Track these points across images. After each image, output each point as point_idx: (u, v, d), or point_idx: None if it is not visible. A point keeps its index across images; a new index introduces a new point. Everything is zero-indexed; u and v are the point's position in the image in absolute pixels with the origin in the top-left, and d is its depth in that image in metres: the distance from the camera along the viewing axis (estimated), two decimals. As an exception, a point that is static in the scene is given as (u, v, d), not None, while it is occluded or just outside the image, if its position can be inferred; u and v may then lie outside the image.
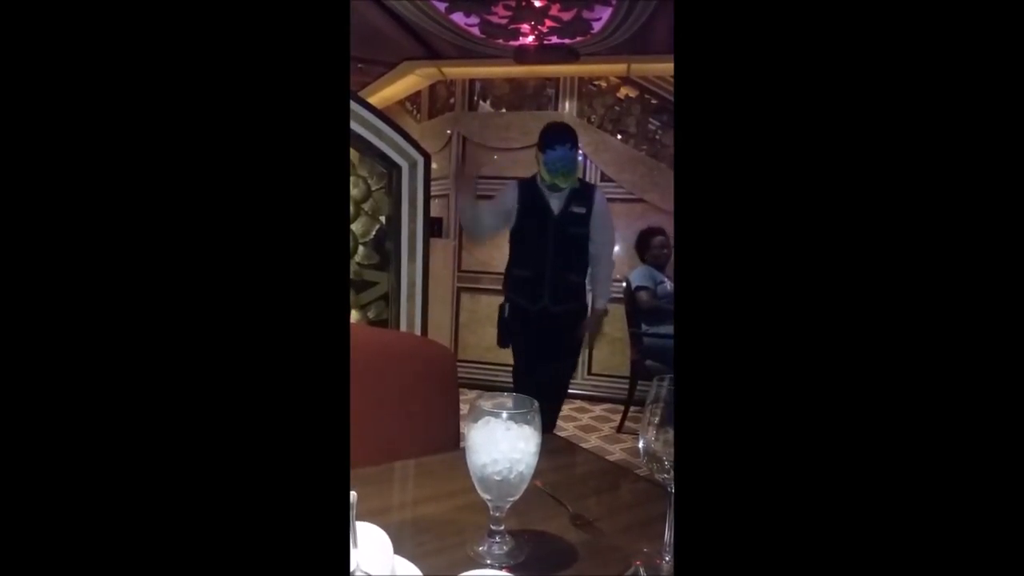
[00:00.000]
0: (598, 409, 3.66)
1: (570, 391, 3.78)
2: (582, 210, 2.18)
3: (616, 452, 2.95)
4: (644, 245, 3.35)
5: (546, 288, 2.19)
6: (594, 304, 2.33)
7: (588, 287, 2.34)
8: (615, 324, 3.77)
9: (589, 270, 2.28)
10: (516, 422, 0.61)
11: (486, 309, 4.02)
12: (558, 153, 2.10)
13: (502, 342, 2.38)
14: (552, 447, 1.02)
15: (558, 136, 2.13)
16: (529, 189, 2.21)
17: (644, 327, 3.15)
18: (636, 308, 3.17)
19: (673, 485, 0.60)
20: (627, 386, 3.30)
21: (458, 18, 2.89)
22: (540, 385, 2.26)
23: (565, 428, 3.25)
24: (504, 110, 4.06)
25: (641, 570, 0.58)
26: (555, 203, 2.18)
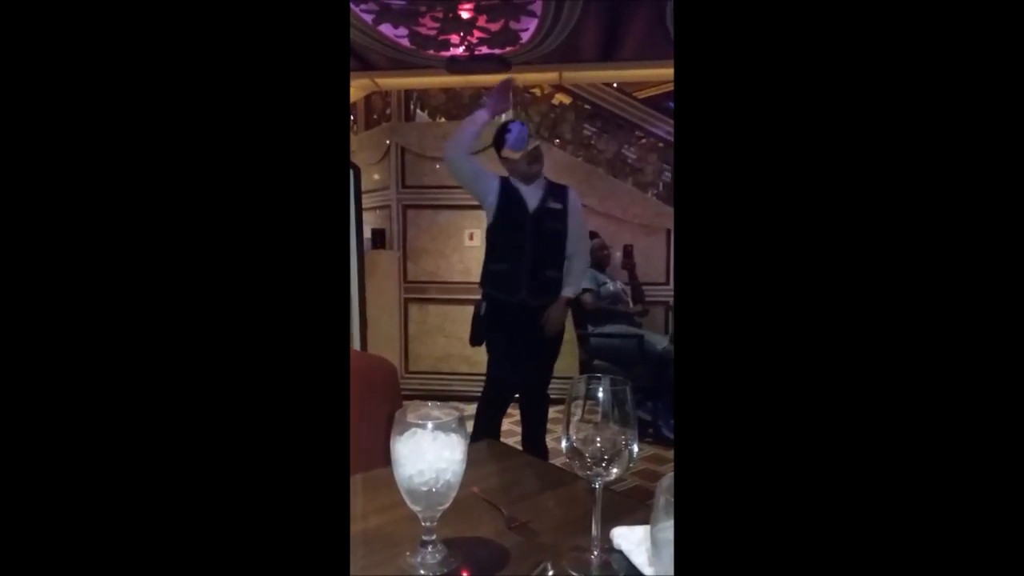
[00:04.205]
0: (551, 411, 3.70)
1: (523, 395, 3.81)
2: (558, 206, 2.28)
3: (569, 452, 2.98)
4: (584, 248, 3.43)
5: (524, 280, 2.25)
6: (562, 293, 2.36)
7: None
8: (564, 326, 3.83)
9: (565, 263, 2.34)
10: (443, 431, 0.62)
11: (435, 319, 4.00)
12: (515, 129, 2.22)
13: (475, 339, 2.39)
14: (490, 453, 1.03)
15: (504, 127, 2.28)
16: (506, 186, 2.27)
17: (591, 328, 3.22)
18: (581, 310, 3.24)
19: (598, 481, 0.63)
20: (577, 386, 3.36)
21: (386, 29, 2.88)
22: (516, 386, 2.32)
23: (517, 431, 3.27)
24: (442, 119, 4.07)
25: (549, 568, 0.60)
26: (531, 200, 2.26)
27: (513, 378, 2.34)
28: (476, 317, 2.35)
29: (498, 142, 2.26)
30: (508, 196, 2.25)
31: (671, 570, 0.46)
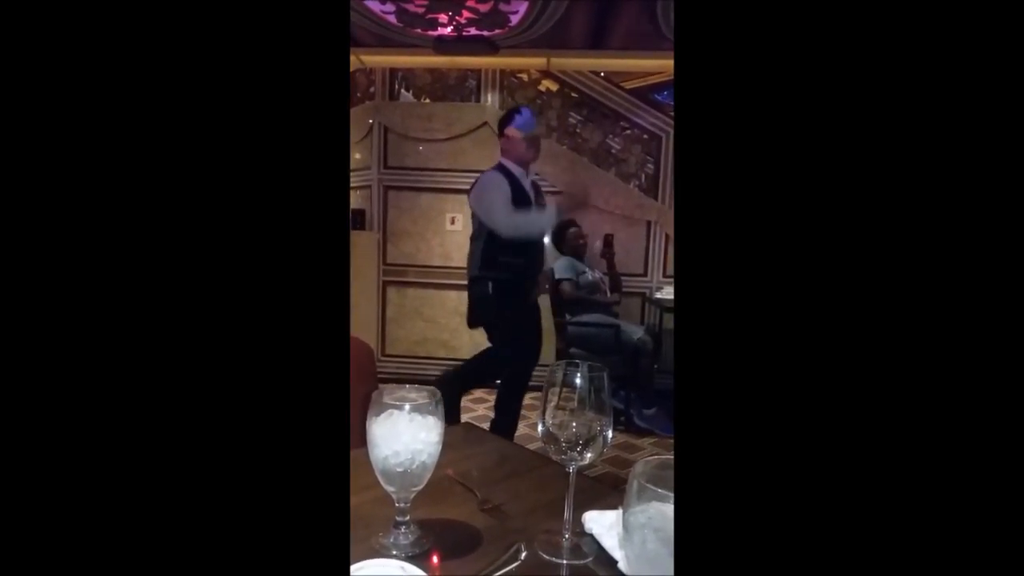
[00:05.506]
0: (527, 397, 3.72)
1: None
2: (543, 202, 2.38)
3: (543, 438, 3.01)
4: (560, 237, 3.43)
5: (537, 268, 2.35)
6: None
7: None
8: (542, 314, 3.84)
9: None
10: (420, 413, 0.62)
11: (413, 302, 3.98)
12: (526, 113, 2.27)
13: (480, 319, 2.39)
14: (466, 436, 1.04)
15: (516, 108, 2.34)
16: (509, 176, 2.24)
17: (568, 317, 3.24)
18: (560, 299, 3.25)
19: (572, 465, 0.64)
20: (553, 374, 3.39)
21: (373, 5, 2.82)
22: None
23: (491, 416, 3.29)
24: (427, 100, 4.01)
25: (522, 550, 0.60)
26: (530, 192, 2.28)
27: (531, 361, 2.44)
28: (481, 298, 2.31)
29: (505, 121, 2.26)
30: (517, 185, 2.23)
31: (641, 553, 0.47)
